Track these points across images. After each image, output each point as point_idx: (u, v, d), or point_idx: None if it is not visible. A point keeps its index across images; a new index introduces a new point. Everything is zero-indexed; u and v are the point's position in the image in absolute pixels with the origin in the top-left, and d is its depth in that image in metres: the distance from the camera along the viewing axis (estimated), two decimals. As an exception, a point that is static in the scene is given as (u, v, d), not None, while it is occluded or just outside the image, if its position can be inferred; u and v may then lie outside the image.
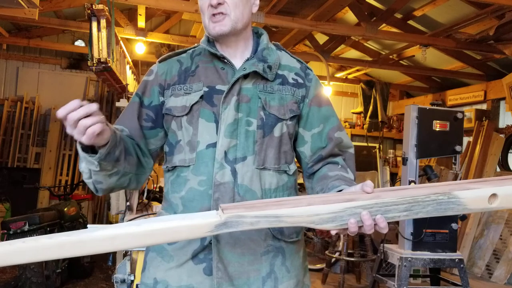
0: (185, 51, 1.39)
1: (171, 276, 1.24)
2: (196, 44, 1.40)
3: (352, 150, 1.38)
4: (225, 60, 1.30)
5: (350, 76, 7.61)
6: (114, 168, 1.17)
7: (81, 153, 1.10)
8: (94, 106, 1.01)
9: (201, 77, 1.30)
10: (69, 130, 1.02)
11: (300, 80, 1.35)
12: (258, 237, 1.24)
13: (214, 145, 1.24)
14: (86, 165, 1.12)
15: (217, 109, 1.25)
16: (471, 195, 1.04)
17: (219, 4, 1.24)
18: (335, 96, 7.85)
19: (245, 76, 1.27)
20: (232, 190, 1.21)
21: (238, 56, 1.33)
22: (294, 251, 1.31)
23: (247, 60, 1.31)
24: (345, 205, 1.01)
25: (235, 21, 1.27)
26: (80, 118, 0.99)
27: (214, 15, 1.25)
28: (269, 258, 1.25)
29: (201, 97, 1.27)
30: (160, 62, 1.37)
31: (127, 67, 5.12)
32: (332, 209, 1.00)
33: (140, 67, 6.81)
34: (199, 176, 1.24)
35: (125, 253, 2.47)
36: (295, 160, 1.37)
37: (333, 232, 1.04)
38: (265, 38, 1.37)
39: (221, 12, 1.25)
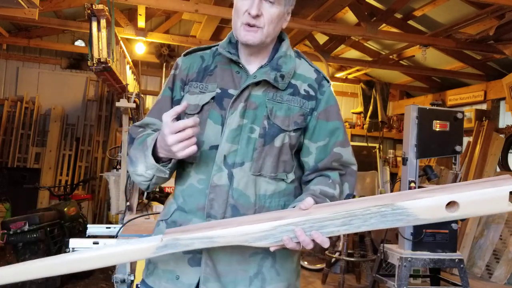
0: (209, 48, 1.41)
1: (161, 258, 1.28)
2: (219, 43, 1.41)
3: (354, 167, 1.37)
4: (240, 65, 1.32)
5: (350, 76, 7.61)
6: (173, 171, 1.29)
7: (154, 163, 1.21)
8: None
9: (217, 78, 1.32)
10: (175, 145, 1.13)
11: (311, 92, 1.35)
12: None
13: (216, 147, 1.27)
14: (153, 172, 1.23)
15: (225, 113, 1.27)
16: (421, 205, 1.00)
17: (257, 16, 1.25)
18: (335, 96, 7.82)
19: (257, 83, 1.28)
20: (226, 192, 1.25)
21: (257, 62, 1.34)
22: (287, 255, 1.31)
23: (261, 67, 1.32)
24: (274, 224, 1.07)
25: (266, 36, 1.28)
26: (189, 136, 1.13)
27: (249, 24, 1.26)
28: (257, 260, 1.26)
29: (213, 98, 1.29)
30: (185, 55, 1.41)
31: (127, 67, 5.11)
32: (262, 228, 1.08)
33: (140, 67, 6.80)
34: (199, 175, 1.28)
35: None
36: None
37: (272, 249, 1.11)
38: (285, 45, 1.37)
39: (255, 24, 1.26)
